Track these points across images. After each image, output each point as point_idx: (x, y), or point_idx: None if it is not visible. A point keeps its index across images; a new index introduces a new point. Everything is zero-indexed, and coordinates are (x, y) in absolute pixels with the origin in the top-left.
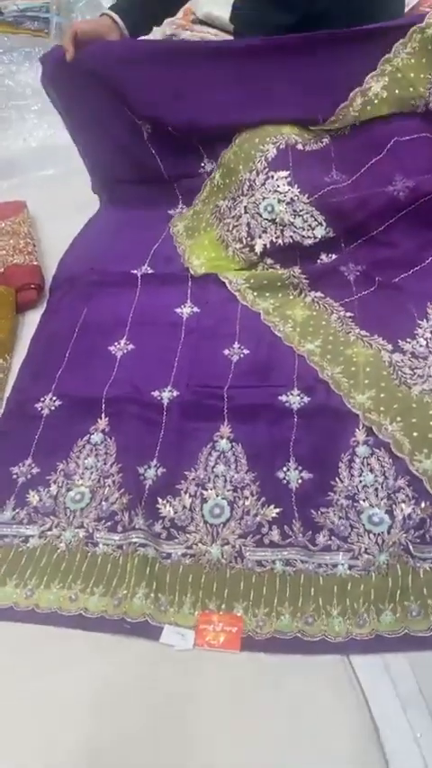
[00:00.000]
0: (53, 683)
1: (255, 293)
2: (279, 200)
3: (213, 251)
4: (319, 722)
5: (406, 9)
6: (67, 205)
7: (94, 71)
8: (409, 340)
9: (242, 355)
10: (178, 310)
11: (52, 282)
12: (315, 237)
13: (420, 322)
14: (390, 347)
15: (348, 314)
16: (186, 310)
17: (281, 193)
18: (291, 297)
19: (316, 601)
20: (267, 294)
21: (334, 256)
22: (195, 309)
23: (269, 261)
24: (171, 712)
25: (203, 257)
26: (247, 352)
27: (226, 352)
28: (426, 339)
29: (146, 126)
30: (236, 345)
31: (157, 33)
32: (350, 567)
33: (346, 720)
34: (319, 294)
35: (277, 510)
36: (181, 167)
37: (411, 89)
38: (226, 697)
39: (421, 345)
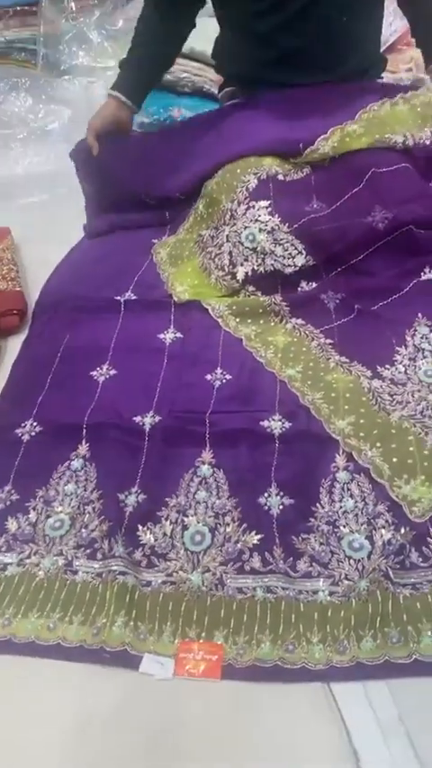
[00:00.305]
0: (32, 713)
1: (237, 319)
2: (260, 230)
3: (196, 278)
4: (299, 751)
5: (383, 47)
6: (51, 231)
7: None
8: (388, 366)
9: (224, 381)
10: (161, 336)
11: (35, 308)
12: (295, 266)
13: (399, 349)
14: (369, 374)
15: (328, 341)
16: (169, 336)
17: (262, 223)
18: (272, 323)
19: (296, 628)
20: (249, 320)
21: (314, 284)
22: (178, 335)
23: (251, 288)
24: (151, 743)
25: (186, 284)
26: (230, 377)
27: (208, 377)
28: (404, 366)
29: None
30: (218, 371)
31: None
32: (330, 594)
33: (326, 749)
34: (299, 321)
35: (258, 536)
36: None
37: (388, 128)
38: (205, 727)
39: (400, 372)
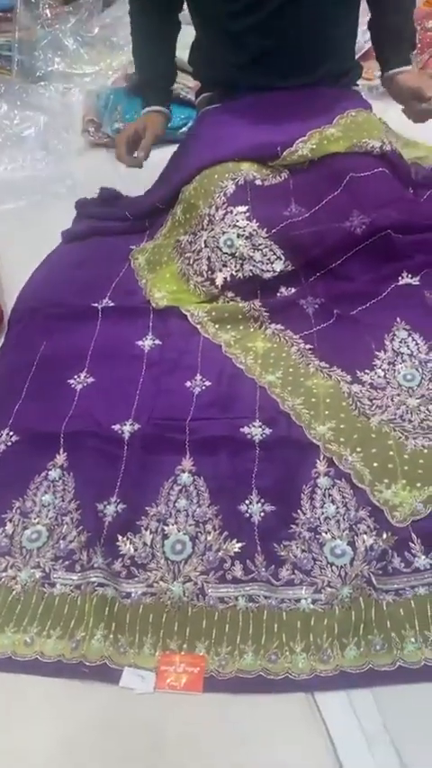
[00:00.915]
0: (8, 731)
1: (216, 326)
2: (238, 235)
3: (175, 284)
4: (284, 762)
5: (357, 54)
6: (26, 238)
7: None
8: (367, 371)
9: (204, 387)
10: (140, 343)
11: (11, 315)
12: (274, 271)
13: (378, 353)
14: (349, 378)
15: (308, 346)
16: (148, 343)
17: (240, 228)
18: (251, 329)
19: (279, 637)
20: (228, 326)
21: (293, 289)
22: (157, 342)
23: (230, 294)
24: (132, 760)
25: (165, 290)
26: (209, 384)
27: (188, 384)
28: (384, 370)
29: None
30: (198, 377)
31: (118, 73)
32: (313, 602)
33: (310, 759)
34: (279, 326)
35: (240, 544)
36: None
37: (365, 133)
38: (188, 741)
39: (379, 376)
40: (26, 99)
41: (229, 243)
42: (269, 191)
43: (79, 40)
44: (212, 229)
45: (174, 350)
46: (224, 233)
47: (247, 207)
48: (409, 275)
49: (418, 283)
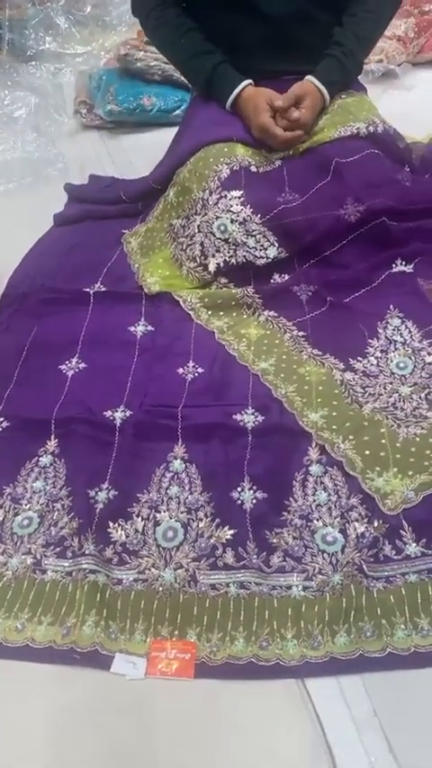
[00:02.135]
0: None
1: (209, 312)
2: (232, 220)
3: (167, 269)
4: (274, 748)
5: None
6: (17, 221)
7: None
8: (360, 359)
9: (196, 374)
10: (132, 329)
11: (1, 300)
12: (267, 257)
13: (371, 341)
14: (342, 366)
15: (301, 333)
16: (140, 329)
17: (233, 213)
18: (244, 316)
19: (270, 624)
20: (221, 313)
21: (287, 276)
22: (149, 328)
23: (223, 280)
24: (124, 746)
25: (157, 275)
26: (202, 371)
27: (180, 371)
28: (376, 358)
29: None
30: (190, 364)
31: (111, 54)
32: (304, 589)
33: (300, 745)
34: (272, 313)
35: (231, 531)
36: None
37: (351, 116)
38: (179, 728)
39: (372, 364)
40: (16, 79)
41: (222, 228)
42: (263, 177)
43: (71, 19)
44: (206, 214)
45: (166, 336)
46: (218, 218)
47: (241, 192)
48: (403, 263)
49: (411, 271)
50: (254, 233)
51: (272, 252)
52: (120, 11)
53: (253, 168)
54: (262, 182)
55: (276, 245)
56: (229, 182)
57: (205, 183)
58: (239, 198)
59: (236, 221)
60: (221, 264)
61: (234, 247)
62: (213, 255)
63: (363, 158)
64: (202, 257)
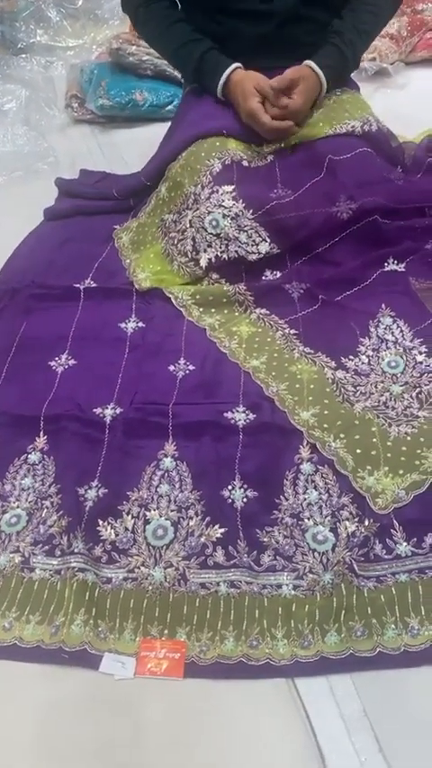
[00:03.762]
0: None
1: (200, 309)
2: (224, 215)
3: (158, 264)
4: (264, 747)
5: None
6: (6, 215)
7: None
8: (351, 357)
9: (188, 371)
10: (122, 325)
11: None
12: (259, 253)
13: (363, 340)
14: (333, 364)
15: (293, 331)
16: (131, 325)
17: (225, 208)
18: (236, 313)
19: (260, 623)
20: (213, 310)
21: (279, 273)
22: (140, 324)
23: (214, 276)
24: (114, 743)
25: (148, 270)
26: (193, 368)
27: (171, 368)
28: (368, 357)
29: None
30: (181, 361)
31: (103, 47)
32: (295, 588)
33: (290, 745)
34: (264, 311)
35: (222, 530)
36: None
37: (347, 114)
38: (168, 728)
39: (363, 363)
40: (7, 72)
41: (214, 223)
42: (256, 172)
43: (62, 12)
44: (198, 209)
45: (157, 333)
46: (209, 213)
47: (233, 186)
48: (395, 262)
49: (403, 270)
50: (246, 228)
51: (264, 247)
52: (112, 4)
53: (245, 163)
54: (254, 177)
55: (268, 240)
56: (220, 176)
57: (197, 177)
58: (231, 193)
59: (228, 216)
60: (213, 260)
61: (226, 242)
62: (205, 250)
63: (356, 156)
64: (194, 252)
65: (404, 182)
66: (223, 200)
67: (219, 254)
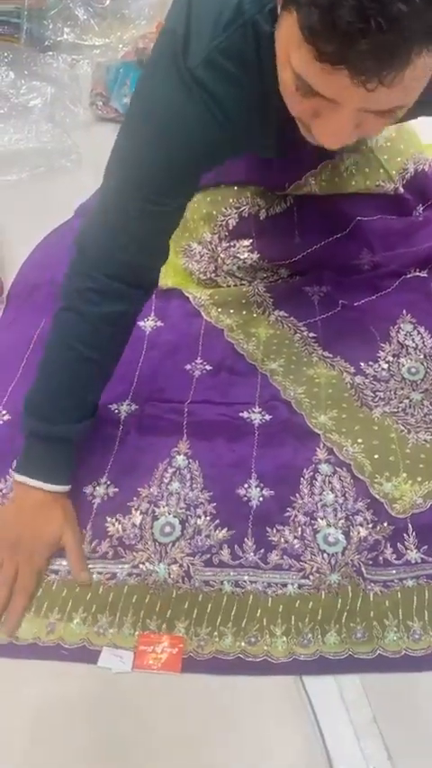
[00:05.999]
0: None
1: (218, 309)
2: (239, 267)
3: (178, 275)
4: (271, 752)
5: None
6: (29, 211)
7: None
8: (371, 363)
9: (204, 371)
10: (141, 323)
11: (11, 290)
12: (281, 278)
13: (383, 345)
14: (352, 369)
15: (311, 334)
16: (149, 324)
17: (241, 260)
18: (255, 315)
19: (260, 621)
20: (231, 311)
21: (298, 277)
22: (158, 323)
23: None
24: (112, 739)
25: (168, 275)
26: (210, 368)
27: (188, 367)
28: (387, 363)
29: None
30: (198, 361)
31: (129, 46)
32: (300, 587)
33: (298, 749)
34: (283, 313)
35: (230, 531)
36: None
37: (382, 171)
38: (173, 728)
39: (383, 369)
40: (33, 68)
41: (231, 272)
42: (273, 222)
43: (90, 11)
44: (216, 258)
45: (175, 332)
46: (225, 264)
47: (250, 240)
48: (417, 269)
49: (425, 276)
50: (264, 268)
51: (284, 274)
52: (139, 4)
53: (263, 214)
54: (272, 227)
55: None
56: (237, 230)
57: (215, 224)
58: (248, 246)
59: (243, 268)
60: (232, 285)
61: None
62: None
63: (380, 221)
64: (214, 274)
65: (424, 218)
66: (239, 253)
67: (239, 284)
